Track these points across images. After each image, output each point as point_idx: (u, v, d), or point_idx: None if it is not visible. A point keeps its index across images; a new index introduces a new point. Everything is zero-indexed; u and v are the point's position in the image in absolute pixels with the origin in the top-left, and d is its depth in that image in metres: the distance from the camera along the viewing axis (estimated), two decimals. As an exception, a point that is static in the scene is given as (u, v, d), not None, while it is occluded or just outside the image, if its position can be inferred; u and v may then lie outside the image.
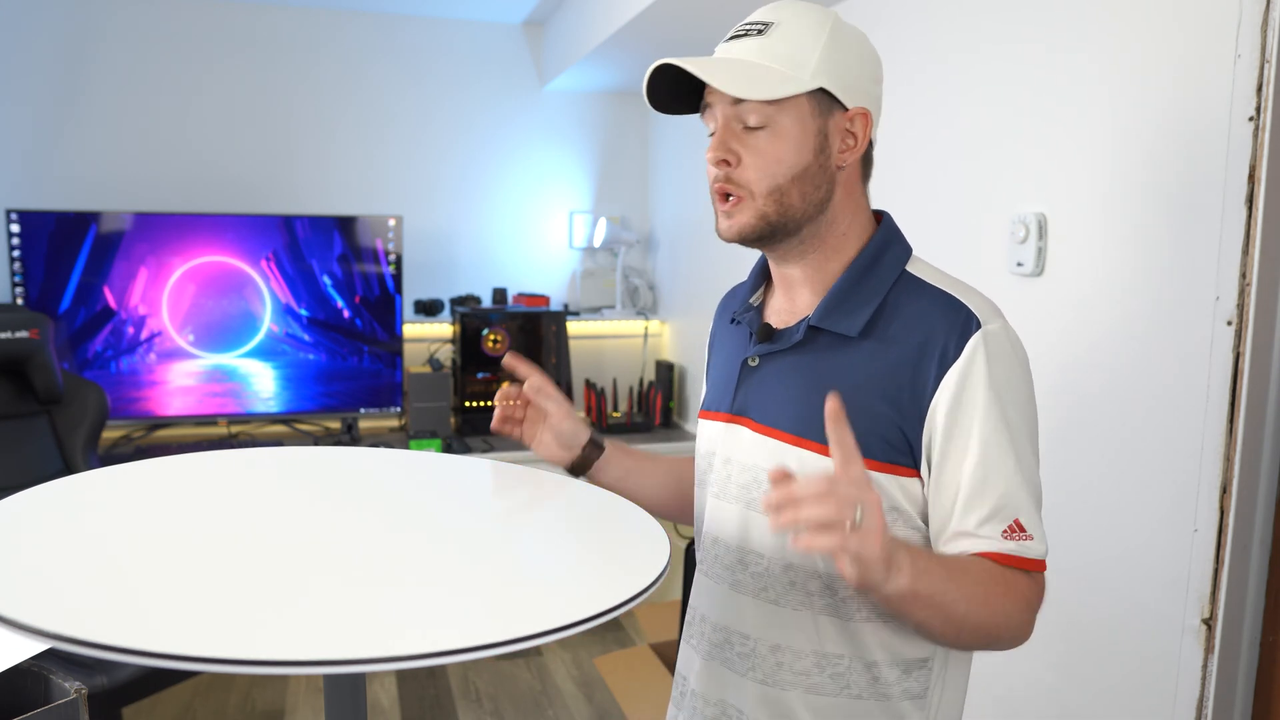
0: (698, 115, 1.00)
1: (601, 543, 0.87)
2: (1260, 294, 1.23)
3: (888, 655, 0.92)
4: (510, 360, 1.12)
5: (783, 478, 0.76)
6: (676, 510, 1.19)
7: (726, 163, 0.93)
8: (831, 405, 0.77)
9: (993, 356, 0.88)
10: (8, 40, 3.02)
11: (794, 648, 0.94)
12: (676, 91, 0.97)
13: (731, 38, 0.95)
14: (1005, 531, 0.87)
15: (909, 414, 0.89)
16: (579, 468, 1.13)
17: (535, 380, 1.11)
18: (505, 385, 1.11)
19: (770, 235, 0.95)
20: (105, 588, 0.65)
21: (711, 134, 0.96)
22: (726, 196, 0.95)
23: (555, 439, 1.12)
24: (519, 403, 1.12)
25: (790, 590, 0.94)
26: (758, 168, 0.92)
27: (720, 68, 0.91)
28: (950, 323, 0.89)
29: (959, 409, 0.87)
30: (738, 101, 0.92)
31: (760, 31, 0.92)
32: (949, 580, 0.83)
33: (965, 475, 0.88)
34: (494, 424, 1.12)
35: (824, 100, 0.93)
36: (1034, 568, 0.89)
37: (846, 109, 0.94)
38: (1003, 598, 0.86)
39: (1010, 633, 0.88)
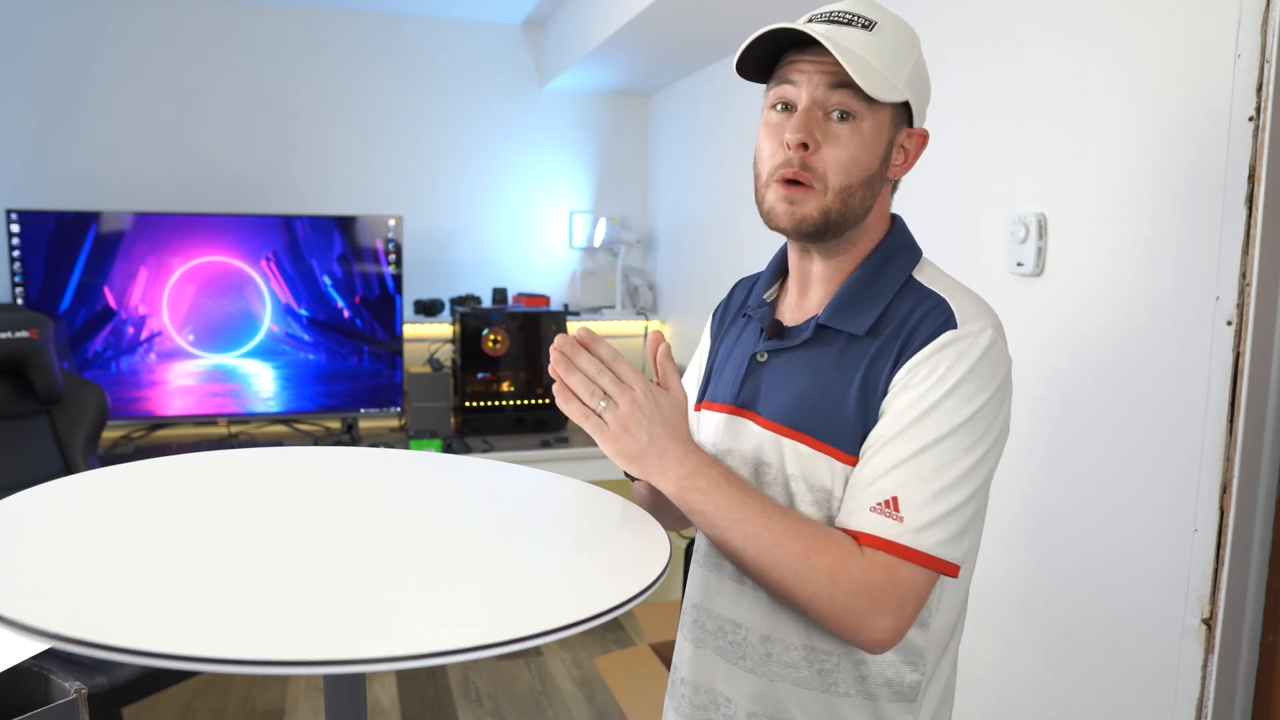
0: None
1: (602, 543, 0.87)
2: (1260, 294, 1.23)
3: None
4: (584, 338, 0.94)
5: (586, 338, 0.86)
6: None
7: (805, 146, 0.90)
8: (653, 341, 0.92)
9: (950, 350, 0.87)
10: (8, 40, 3.02)
11: (784, 640, 0.95)
12: (756, 59, 0.95)
13: (833, 20, 0.91)
14: (875, 506, 0.85)
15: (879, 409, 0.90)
16: None
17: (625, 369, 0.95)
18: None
19: (824, 231, 0.94)
20: (105, 588, 0.65)
21: (774, 107, 0.94)
22: (788, 182, 0.92)
23: None
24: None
25: None
26: (836, 161, 0.90)
27: (848, 56, 0.87)
28: (930, 323, 0.89)
29: (896, 397, 0.88)
30: (834, 87, 0.89)
31: (866, 26, 0.90)
32: (735, 510, 0.86)
33: (873, 445, 0.88)
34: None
35: (901, 113, 0.94)
36: (890, 550, 0.83)
37: (911, 126, 0.96)
38: (812, 560, 0.83)
39: (821, 605, 0.83)
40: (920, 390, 0.86)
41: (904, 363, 0.88)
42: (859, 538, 0.85)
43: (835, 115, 0.90)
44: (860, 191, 0.92)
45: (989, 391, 0.87)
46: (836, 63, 0.88)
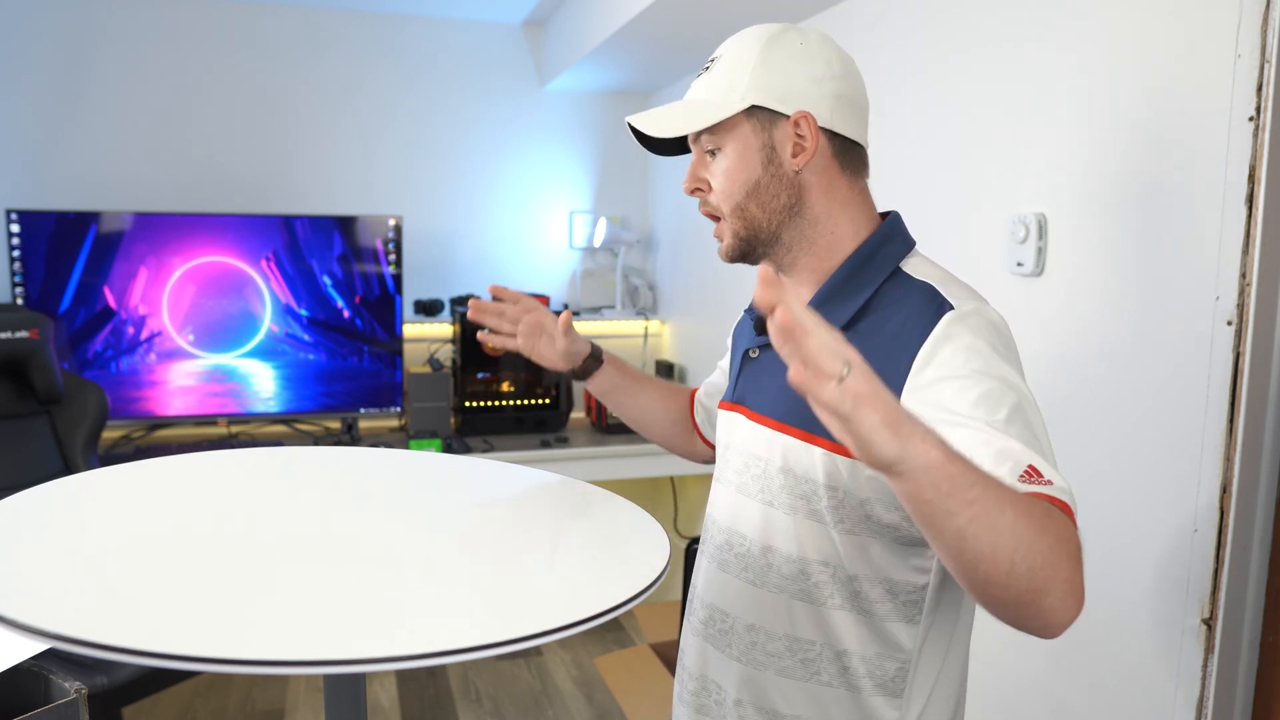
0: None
1: (601, 543, 0.87)
2: (1260, 294, 1.23)
3: (859, 648, 0.93)
4: (496, 290, 1.24)
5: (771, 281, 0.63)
6: (661, 434, 1.33)
7: (699, 189, 1.01)
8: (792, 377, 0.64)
9: (964, 330, 0.87)
10: (8, 40, 3.02)
11: (768, 629, 0.97)
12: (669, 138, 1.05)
13: (697, 76, 1.03)
14: (1021, 477, 0.75)
15: None
16: (579, 375, 1.26)
17: (529, 302, 1.23)
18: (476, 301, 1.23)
19: (751, 250, 1.00)
20: (105, 588, 0.65)
21: None
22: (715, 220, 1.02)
23: (557, 353, 1.22)
24: (508, 318, 1.23)
25: (767, 572, 0.97)
26: (718, 190, 1.00)
27: (661, 113, 1.01)
28: (924, 310, 0.90)
29: (933, 384, 0.84)
30: (697, 137, 1.00)
31: (706, 69, 1.01)
32: (987, 478, 0.67)
33: (969, 444, 0.77)
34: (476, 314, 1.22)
35: (762, 115, 0.96)
36: (1063, 508, 0.74)
37: (789, 116, 0.95)
38: (1045, 518, 0.69)
39: (1064, 571, 0.69)
40: (955, 366, 0.83)
41: (909, 353, 0.87)
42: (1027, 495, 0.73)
43: (709, 155, 1.00)
44: (752, 202, 0.98)
45: (1009, 350, 0.89)
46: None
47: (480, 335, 1.24)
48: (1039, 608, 0.71)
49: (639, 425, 1.32)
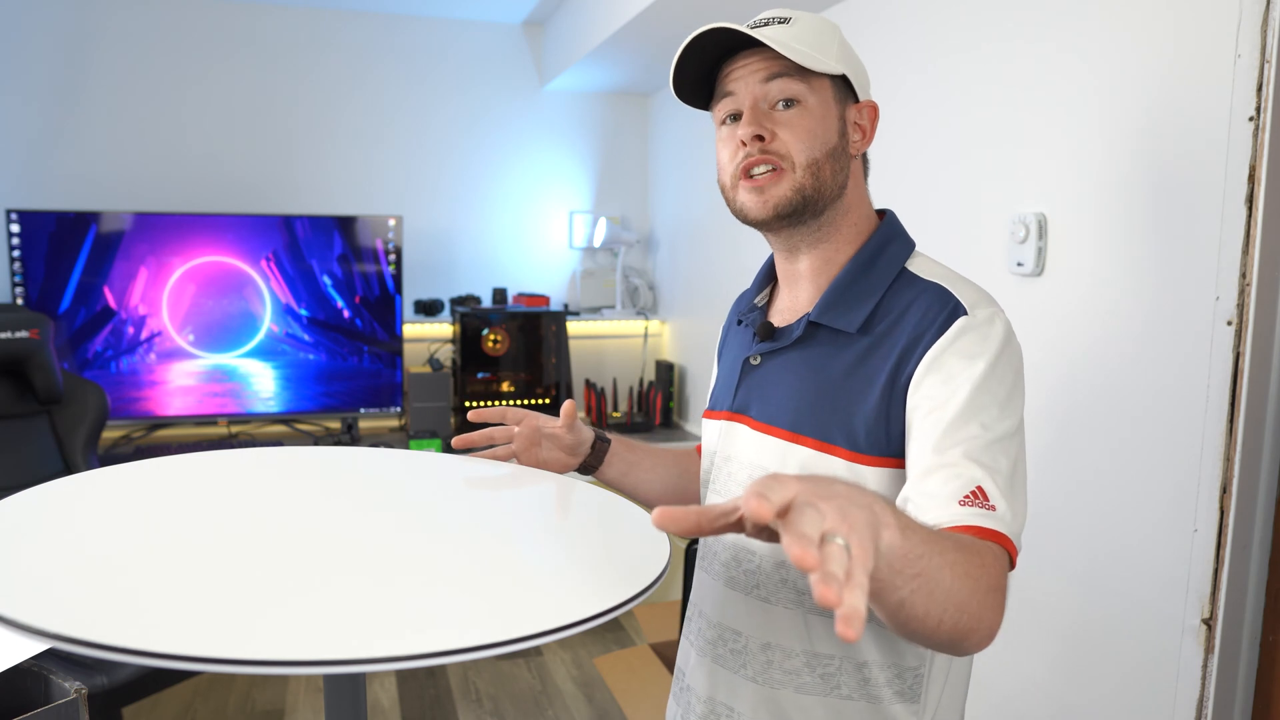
0: (703, 112, 1.03)
1: (601, 543, 0.87)
2: (1260, 294, 1.23)
3: (880, 657, 0.92)
4: (476, 416, 1.14)
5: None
6: (681, 503, 1.17)
7: (760, 138, 0.93)
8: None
9: (972, 335, 0.86)
10: (8, 40, 3.02)
11: (784, 646, 0.94)
12: (696, 85, 1.00)
13: (752, 28, 0.96)
14: (965, 498, 0.78)
15: (899, 405, 0.88)
16: (589, 467, 1.16)
17: (514, 414, 1.14)
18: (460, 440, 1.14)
19: (803, 210, 0.95)
20: (105, 588, 0.65)
21: (724, 122, 0.98)
22: (750, 174, 0.95)
23: (563, 450, 1.13)
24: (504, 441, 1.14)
25: (781, 588, 0.94)
26: (795, 139, 0.93)
27: (774, 44, 0.92)
28: (937, 312, 0.89)
29: (929, 376, 0.86)
30: (769, 79, 0.93)
31: (782, 23, 0.95)
32: (930, 542, 0.66)
33: (929, 439, 0.83)
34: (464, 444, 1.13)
35: (842, 88, 0.97)
36: (997, 540, 0.77)
37: (858, 101, 0.98)
38: (980, 570, 0.71)
39: (986, 620, 0.72)
40: (950, 368, 0.85)
41: (920, 352, 0.87)
42: (967, 531, 0.77)
43: (780, 105, 0.94)
44: (827, 165, 0.94)
45: (1012, 375, 0.87)
46: (767, 59, 0.93)
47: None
48: (957, 648, 0.74)
49: (660, 497, 1.18)
